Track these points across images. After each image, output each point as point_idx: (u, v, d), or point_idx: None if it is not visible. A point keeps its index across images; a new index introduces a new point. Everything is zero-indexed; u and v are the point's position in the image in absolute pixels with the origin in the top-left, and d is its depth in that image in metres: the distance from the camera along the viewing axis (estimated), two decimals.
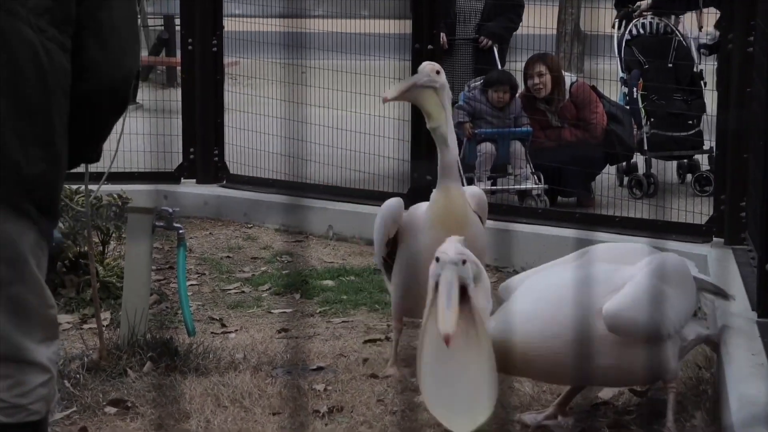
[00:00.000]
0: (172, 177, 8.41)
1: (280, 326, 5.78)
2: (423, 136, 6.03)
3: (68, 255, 5.86)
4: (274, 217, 8.00)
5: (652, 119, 8.92)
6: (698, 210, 6.98)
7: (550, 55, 8.94)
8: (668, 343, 4.11)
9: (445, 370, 3.82)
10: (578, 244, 6.38)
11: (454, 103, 7.77)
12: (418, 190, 6.62)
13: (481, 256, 4.90)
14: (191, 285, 6.43)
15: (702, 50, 9.36)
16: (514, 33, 9.09)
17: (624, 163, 8.98)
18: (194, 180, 8.43)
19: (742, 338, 4.45)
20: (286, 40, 8.53)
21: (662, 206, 7.35)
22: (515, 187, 8.29)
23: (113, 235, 6.14)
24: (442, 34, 8.19)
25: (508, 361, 3.99)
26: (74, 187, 5.86)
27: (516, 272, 5.78)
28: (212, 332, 5.66)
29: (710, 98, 8.10)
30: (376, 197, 7.58)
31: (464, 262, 3.88)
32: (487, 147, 8.32)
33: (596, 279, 4.05)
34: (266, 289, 6.47)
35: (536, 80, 8.46)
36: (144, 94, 12.32)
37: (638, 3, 9.27)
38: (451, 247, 3.88)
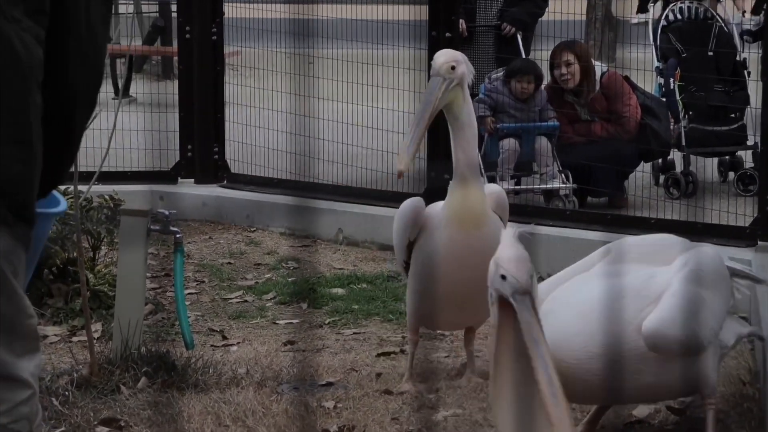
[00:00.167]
0: (169, 176, 8.44)
1: (286, 338, 5.79)
2: (440, 131, 6.02)
3: (56, 261, 5.88)
4: (279, 220, 8.01)
5: (690, 112, 8.91)
6: (741, 211, 6.97)
7: (578, 43, 8.94)
8: (708, 352, 4.12)
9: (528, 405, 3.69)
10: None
11: (474, 95, 7.81)
12: (435, 190, 6.62)
13: None
14: (189, 294, 6.44)
15: (745, 37, 9.35)
16: (540, 19, 9.09)
17: (660, 161, 8.97)
18: (192, 180, 8.46)
19: None
20: (292, 27, 8.55)
21: (702, 207, 7.34)
22: (541, 186, 8.29)
23: (105, 239, 6.16)
24: (461, 20, 8.21)
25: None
26: (62, 187, 5.87)
27: (542, 279, 5.78)
28: (212, 345, 5.67)
29: (755, 89, 8.08)
30: (390, 198, 7.60)
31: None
32: (510, 143, 8.31)
33: (631, 290, 4.05)
34: (271, 298, 6.49)
35: (564, 70, 8.45)
36: (138, 87, 12.36)
37: None
38: (521, 266, 3.47)
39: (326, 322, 6.08)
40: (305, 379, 5.11)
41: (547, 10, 9.03)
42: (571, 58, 8.47)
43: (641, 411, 4.62)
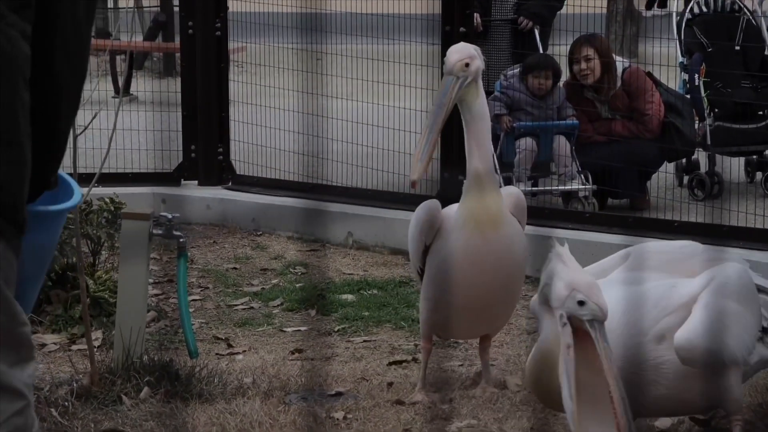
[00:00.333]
0: (171, 178, 8.47)
1: (294, 346, 5.82)
2: (454, 130, 6.06)
3: (54, 267, 5.90)
4: (286, 224, 8.04)
5: (716, 110, 8.91)
6: None
7: (599, 37, 8.94)
8: (732, 369, 4.13)
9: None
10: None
11: (489, 93, 7.82)
12: (448, 192, 6.65)
13: (520, 264, 4.95)
14: (193, 300, 6.48)
15: None
16: (558, 12, 9.10)
17: (684, 161, 8.98)
18: (196, 181, 8.50)
19: None
20: (300, 22, 8.57)
21: (728, 209, 7.35)
22: (559, 188, 8.30)
23: (105, 244, 6.19)
24: (476, 14, 8.22)
25: (551, 395, 4.02)
26: None
27: None
28: (217, 353, 5.70)
29: None
30: (401, 200, 7.63)
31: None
32: (527, 142, 8.32)
33: (651, 299, 4.07)
34: (278, 305, 6.52)
35: (583, 65, 8.45)
36: (139, 85, 12.41)
37: None
38: (600, 293, 3.73)
39: (335, 329, 6.10)
40: (314, 389, 5.13)
41: (566, 3, 9.03)
42: (591, 53, 8.46)
43: (664, 422, 4.63)
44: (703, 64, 8.95)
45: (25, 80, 2.89)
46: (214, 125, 8.43)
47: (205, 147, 8.43)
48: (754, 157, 9.28)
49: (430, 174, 7.76)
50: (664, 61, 8.89)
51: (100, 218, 6.07)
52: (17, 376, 2.96)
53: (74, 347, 5.67)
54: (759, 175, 9.16)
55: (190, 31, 8.41)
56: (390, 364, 5.49)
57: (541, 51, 8.85)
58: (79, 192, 3.23)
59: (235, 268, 7.26)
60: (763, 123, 9.02)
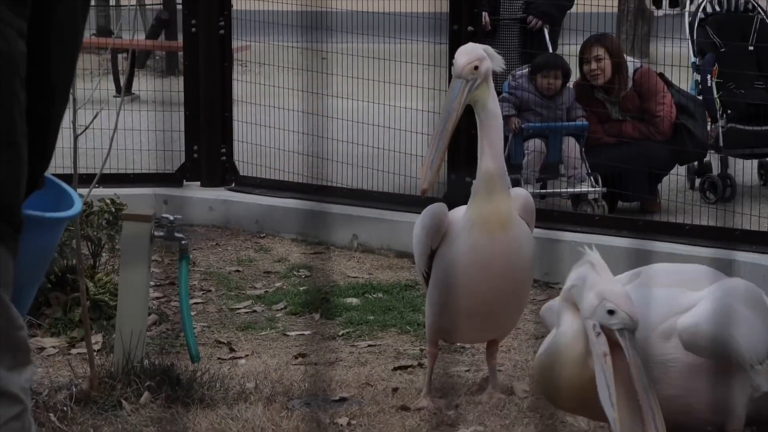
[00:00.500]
0: (173, 179, 8.48)
1: (297, 351, 5.83)
2: (462, 131, 6.06)
3: (54, 269, 5.92)
4: (290, 226, 8.05)
5: (728, 111, 8.91)
6: None
7: (610, 37, 8.95)
8: (738, 379, 4.13)
9: None
10: (641, 257, 6.41)
11: (497, 93, 7.82)
12: (455, 194, 6.65)
13: (529, 268, 4.95)
14: (195, 303, 6.49)
15: None
16: (568, 11, 9.11)
17: (696, 163, 8.98)
18: (198, 183, 8.51)
19: None
20: (305, 20, 8.58)
21: (740, 212, 7.35)
22: (568, 190, 8.31)
23: (105, 246, 6.20)
24: (484, 13, 8.23)
25: (557, 394, 4.03)
26: None
27: None
28: (219, 358, 5.71)
29: None
30: (407, 202, 7.63)
31: None
32: (536, 144, 8.32)
33: (659, 298, 4.09)
34: (281, 309, 6.52)
35: (594, 65, 8.45)
36: (141, 84, 12.43)
37: None
38: (632, 303, 3.84)
39: (340, 333, 6.11)
40: (317, 395, 5.14)
41: (576, 1, 9.04)
42: (601, 52, 8.47)
43: None
44: (716, 64, 8.95)
45: (21, 79, 2.90)
46: (217, 125, 8.44)
47: (208, 147, 8.44)
48: None
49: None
50: (676, 61, 8.89)
51: (100, 220, 6.08)
52: (14, 381, 2.97)
53: (74, 351, 5.68)
54: None
55: (194, 29, 8.42)
56: (395, 369, 5.50)
57: (550, 50, 8.86)
58: (80, 202, 3.25)
59: (237, 271, 7.27)
60: None
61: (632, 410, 3.75)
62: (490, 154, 4.82)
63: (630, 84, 8.55)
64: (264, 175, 8.50)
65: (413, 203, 7.37)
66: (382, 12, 8.47)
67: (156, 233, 5.15)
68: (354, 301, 6.61)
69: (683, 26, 9.21)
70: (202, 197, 8.37)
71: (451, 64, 4.98)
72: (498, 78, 8.34)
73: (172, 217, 5.19)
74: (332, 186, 8.20)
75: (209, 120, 8.43)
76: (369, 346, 5.91)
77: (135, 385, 4.93)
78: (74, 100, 4.76)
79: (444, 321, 4.97)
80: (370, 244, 7.69)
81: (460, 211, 4.93)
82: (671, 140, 8.48)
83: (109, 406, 4.85)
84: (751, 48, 9.16)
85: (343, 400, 5.07)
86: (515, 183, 7.93)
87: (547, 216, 7.03)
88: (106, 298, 5.86)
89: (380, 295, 6.72)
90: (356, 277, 7.13)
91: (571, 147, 8.33)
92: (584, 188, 8.27)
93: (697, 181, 8.97)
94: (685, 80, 9.02)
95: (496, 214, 4.78)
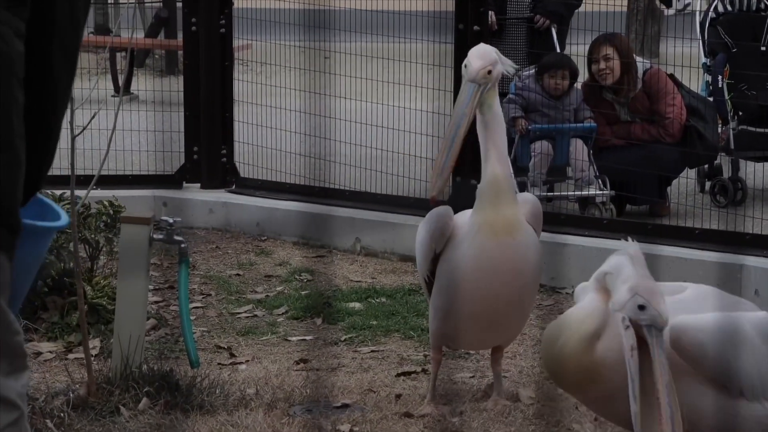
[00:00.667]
0: (173, 181, 8.50)
1: (299, 356, 5.84)
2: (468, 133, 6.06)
3: (51, 273, 5.93)
4: (291, 229, 8.06)
5: (740, 113, 8.92)
6: None
7: (619, 36, 8.94)
8: (743, 406, 4.09)
9: None
10: (650, 261, 6.40)
11: (504, 95, 7.83)
12: (461, 197, 6.66)
13: (535, 273, 4.96)
14: (195, 308, 6.50)
15: None
16: (577, 11, 9.11)
17: (706, 166, 8.99)
18: (198, 184, 8.52)
19: None
20: (307, 19, 8.59)
21: (751, 216, 7.36)
22: (576, 193, 8.31)
23: (103, 249, 6.22)
24: (490, 12, 8.23)
25: (557, 367, 4.06)
26: (58, 193, 5.95)
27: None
28: (219, 363, 5.73)
29: None
30: (411, 205, 7.65)
31: None
32: (542, 146, 8.32)
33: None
34: (282, 313, 6.54)
35: (602, 65, 8.44)
36: (140, 84, 12.44)
37: None
38: (663, 300, 3.85)
39: (342, 338, 6.12)
40: (319, 401, 5.15)
41: (584, 0, 9.04)
42: (610, 52, 8.45)
43: None
44: (727, 65, 8.95)
45: (19, 80, 2.91)
46: (217, 126, 8.45)
47: (208, 148, 8.46)
48: None
49: None
50: (687, 62, 8.88)
51: (98, 222, 6.10)
52: (11, 386, 2.98)
53: (71, 356, 5.69)
54: None
55: (194, 27, 8.44)
56: (398, 375, 5.51)
57: (558, 50, 8.86)
58: (66, 216, 3.32)
59: (238, 275, 7.28)
60: None
61: (651, 407, 3.78)
62: (496, 158, 4.83)
63: (639, 85, 8.54)
64: (265, 177, 8.51)
65: (417, 206, 7.39)
66: (385, 11, 8.47)
67: (155, 236, 5.16)
68: (356, 305, 6.62)
69: (694, 26, 9.21)
70: (202, 199, 8.38)
71: (456, 64, 4.99)
72: (504, 79, 8.37)
73: (171, 220, 5.20)
74: (335, 188, 8.21)
75: (209, 120, 8.45)
76: (372, 351, 5.92)
77: (133, 391, 4.94)
78: (72, 99, 4.77)
79: (448, 326, 4.98)
80: (373, 248, 7.70)
81: (465, 215, 4.94)
82: (681, 143, 8.47)
83: (106, 412, 4.86)
84: (763, 48, 9.16)
85: (345, 406, 5.09)
86: (521, 186, 7.94)
87: (553, 219, 7.04)
88: (104, 302, 5.88)
89: (383, 299, 6.73)
90: (359, 282, 7.14)
91: (579, 149, 8.33)
92: (592, 191, 8.27)
93: (708, 185, 8.98)
94: (695, 81, 9.03)
95: (502, 218, 4.79)
